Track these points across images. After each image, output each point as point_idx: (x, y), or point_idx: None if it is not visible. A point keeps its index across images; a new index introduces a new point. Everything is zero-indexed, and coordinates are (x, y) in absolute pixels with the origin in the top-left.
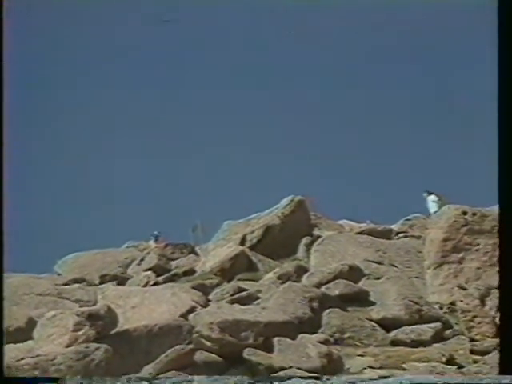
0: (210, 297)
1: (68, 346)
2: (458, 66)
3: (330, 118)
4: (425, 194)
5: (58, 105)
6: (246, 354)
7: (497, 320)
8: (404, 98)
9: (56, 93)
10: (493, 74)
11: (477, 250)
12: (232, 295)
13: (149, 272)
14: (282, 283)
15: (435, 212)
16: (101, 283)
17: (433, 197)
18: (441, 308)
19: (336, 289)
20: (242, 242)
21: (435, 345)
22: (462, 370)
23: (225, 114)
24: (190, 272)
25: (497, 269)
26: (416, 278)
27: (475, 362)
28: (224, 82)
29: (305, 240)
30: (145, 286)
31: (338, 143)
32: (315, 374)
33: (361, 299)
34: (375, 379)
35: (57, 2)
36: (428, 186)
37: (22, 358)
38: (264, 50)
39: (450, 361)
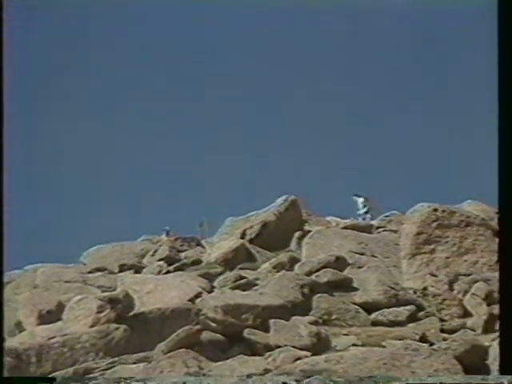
0: (215, 284)
1: (92, 326)
2: (458, 66)
3: (325, 120)
4: (354, 197)
5: (70, 101)
6: (246, 333)
7: (464, 302)
8: (401, 98)
9: (66, 90)
10: (493, 74)
11: (446, 242)
12: (234, 282)
13: (161, 262)
14: (277, 272)
15: (364, 212)
16: (120, 271)
17: (361, 199)
18: (415, 292)
19: (324, 276)
20: (243, 236)
21: (410, 325)
22: (433, 346)
23: (231, 120)
24: (197, 262)
25: (464, 258)
26: (393, 266)
27: (444, 339)
28: (226, 85)
29: (297, 234)
30: (158, 274)
31: (328, 147)
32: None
33: (345, 285)
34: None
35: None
36: (402, 186)
37: (53, 337)
38: (259, 52)
39: (423, 339)
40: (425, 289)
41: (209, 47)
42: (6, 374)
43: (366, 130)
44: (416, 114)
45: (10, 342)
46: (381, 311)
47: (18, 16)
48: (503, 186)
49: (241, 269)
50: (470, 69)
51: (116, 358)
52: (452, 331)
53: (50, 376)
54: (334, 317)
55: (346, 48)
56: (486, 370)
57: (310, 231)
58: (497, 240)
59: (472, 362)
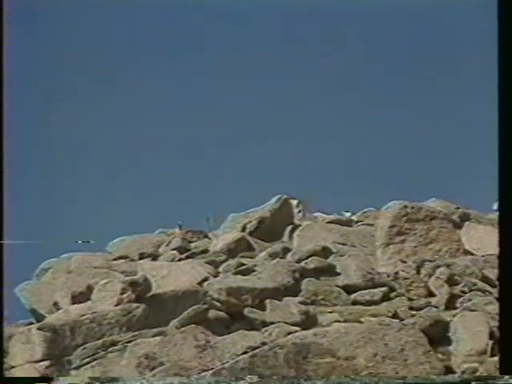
0: (219, 269)
1: (116, 305)
2: (458, 66)
3: (317, 123)
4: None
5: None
6: (246, 312)
7: (429, 284)
8: (398, 99)
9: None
10: (493, 75)
11: (414, 234)
12: (235, 268)
13: (174, 251)
14: (272, 259)
15: (298, 213)
16: (140, 259)
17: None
18: (388, 276)
19: (312, 263)
20: (243, 229)
21: (383, 303)
22: (403, 321)
23: (234, 122)
24: (205, 251)
25: (429, 247)
26: (370, 255)
27: (412, 315)
28: (232, 85)
29: (289, 228)
30: (171, 261)
31: (318, 148)
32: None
33: (330, 271)
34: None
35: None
36: (376, 183)
37: (84, 314)
38: (260, 50)
39: (395, 315)
40: (396, 273)
41: (208, 43)
42: (43, 347)
43: (358, 132)
44: (411, 114)
45: (49, 319)
46: (359, 292)
47: (18, 16)
48: (503, 184)
49: (241, 257)
50: (468, 69)
51: (136, 333)
52: (419, 308)
53: (48, 377)
54: (320, 297)
55: (344, 48)
56: (447, 341)
57: (300, 225)
58: (457, 231)
59: (435, 334)
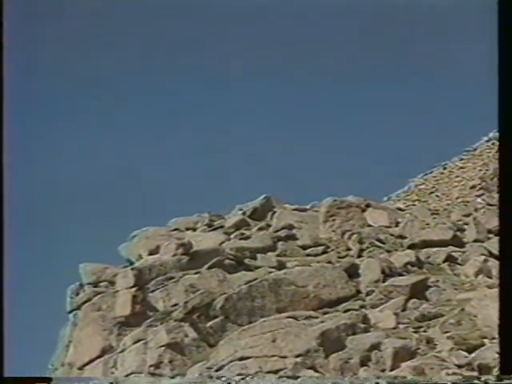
0: (231, 237)
1: (173, 256)
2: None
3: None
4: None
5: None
6: (246, 261)
7: (348, 244)
8: (398, 100)
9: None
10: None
11: (340, 215)
12: (240, 235)
13: (205, 226)
14: (261, 231)
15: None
16: (186, 230)
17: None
18: (326, 240)
19: (283, 233)
20: (244, 213)
21: (323, 255)
22: (334, 265)
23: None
24: (222, 226)
25: (349, 222)
26: (316, 228)
27: (339, 262)
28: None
29: (270, 213)
30: (203, 232)
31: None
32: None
33: (293, 237)
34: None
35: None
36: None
37: (156, 261)
38: (258, 45)
39: (329, 262)
40: (330, 238)
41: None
42: (133, 280)
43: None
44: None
45: (136, 264)
46: (310, 249)
47: (18, 16)
48: (504, 176)
49: (243, 230)
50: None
51: (184, 272)
52: (343, 257)
53: (48, 376)
54: (288, 252)
55: (344, 44)
56: (358, 275)
57: (276, 211)
58: (364, 213)
59: (352, 271)
